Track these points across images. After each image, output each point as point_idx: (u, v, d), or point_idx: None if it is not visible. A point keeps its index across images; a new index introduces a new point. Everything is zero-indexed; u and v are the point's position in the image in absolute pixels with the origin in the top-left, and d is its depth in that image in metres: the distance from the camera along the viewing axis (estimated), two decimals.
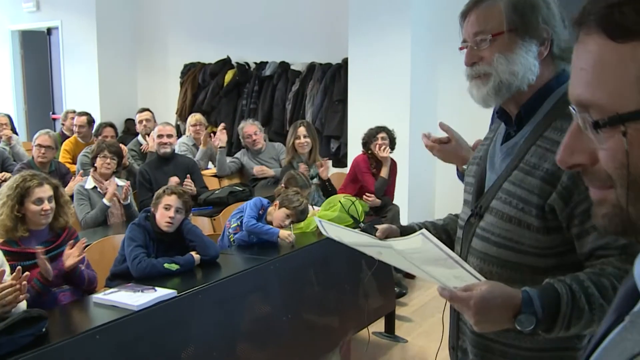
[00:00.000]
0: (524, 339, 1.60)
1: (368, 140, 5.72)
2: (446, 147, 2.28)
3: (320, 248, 4.14)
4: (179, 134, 8.77)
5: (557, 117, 1.58)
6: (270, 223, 4.14)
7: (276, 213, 4.11)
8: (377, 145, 5.62)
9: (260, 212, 4.13)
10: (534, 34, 1.61)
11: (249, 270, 3.57)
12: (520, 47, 1.61)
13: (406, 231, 1.88)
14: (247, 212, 4.03)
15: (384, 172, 5.57)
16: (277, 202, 4.16)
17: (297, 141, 5.44)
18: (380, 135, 5.67)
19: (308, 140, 5.49)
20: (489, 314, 1.40)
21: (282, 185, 4.64)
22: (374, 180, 5.61)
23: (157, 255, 3.54)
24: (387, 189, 5.70)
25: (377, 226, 1.98)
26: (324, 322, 4.13)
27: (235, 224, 4.13)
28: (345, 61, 7.74)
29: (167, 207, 3.58)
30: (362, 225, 1.97)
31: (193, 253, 3.51)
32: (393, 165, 5.86)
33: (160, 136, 5.63)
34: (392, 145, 5.77)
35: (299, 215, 4.14)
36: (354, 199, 4.73)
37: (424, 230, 1.52)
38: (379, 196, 5.50)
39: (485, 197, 1.70)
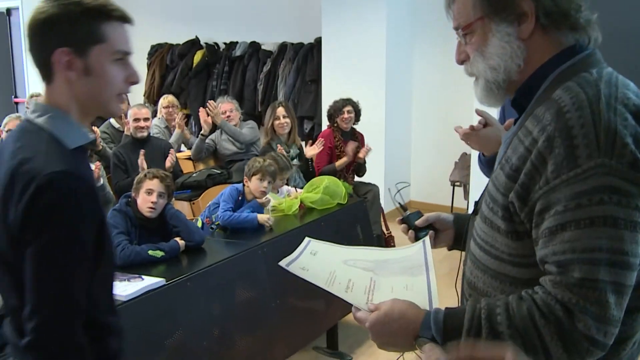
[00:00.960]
0: None
1: (334, 113, 5.66)
2: (485, 132, 2.10)
3: (306, 231, 4.04)
4: None
5: (542, 103, 1.35)
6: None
7: (251, 186, 4.02)
8: (355, 148, 5.57)
9: (239, 197, 4.02)
10: (507, 13, 1.38)
11: (237, 255, 3.46)
12: (494, 35, 1.40)
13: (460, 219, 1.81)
14: (222, 206, 3.92)
15: (340, 163, 5.48)
16: (245, 177, 4.07)
17: (276, 122, 5.31)
18: (346, 109, 5.62)
19: (287, 120, 5.38)
20: (383, 336, 1.39)
21: None
22: (326, 163, 5.53)
23: (140, 242, 3.41)
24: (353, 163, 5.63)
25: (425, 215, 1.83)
26: (311, 308, 4.04)
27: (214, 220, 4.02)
28: (318, 41, 7.64)
29: (149, 192, 3.45)
30: (405, 214, 1.84)
31: (177, 239, 3.38)
32: (360, 137, 5.80)
33: (136, 120, 5.45)
34: (357, 117, 5.72)
35: (273, 174, 4.06)
36: (338, 181, 4.64)
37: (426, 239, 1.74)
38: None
39: (481, 195, 1.54)
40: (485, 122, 2.10)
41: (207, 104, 6.11)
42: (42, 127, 1.56)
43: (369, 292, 1.54)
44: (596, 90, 1.27)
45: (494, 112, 2.51)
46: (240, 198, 4.02)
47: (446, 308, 1.37)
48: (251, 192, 4.03)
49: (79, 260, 1.51)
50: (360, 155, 5.62)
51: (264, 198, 4.08)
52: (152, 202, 3.43)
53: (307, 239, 1.90)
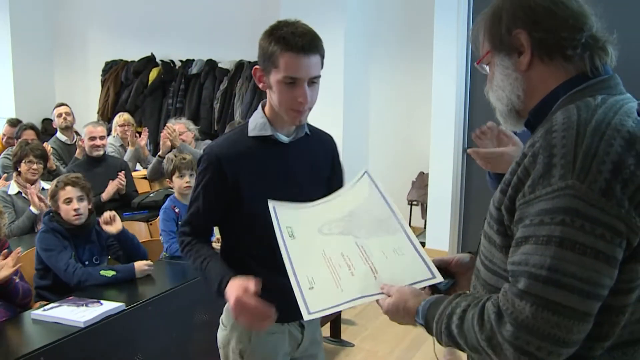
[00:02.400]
0: None
1: None
2: (506, 151, 2.07)
3: None
4: None
5: (540, 125, 1.39)
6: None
7: (175, 186, 4.04)
8: None
9: (175, 210, 3.94)
10: (506, 46, 1.47)
11: (198, 278, 3.41)
12: (497, 67, 1.50)
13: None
14: (164, 237, 3.86)
15: None
16: (167, 180, 4.10)
17: None
18: None
19: None
20: (396, 318, 1.61)
21: None
22: None
23: (78, 252, 3.39)
24: None
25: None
26: None
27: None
28: None
29: (69, 201, 3.42)
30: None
31: (136, 264, 3.33)
32: None
33: (92, 138, 5.36)
34: None
35: (189, 165, 4.04)
36: None
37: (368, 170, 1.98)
38: None
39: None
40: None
41: (166, 126, 6.02)
42: None
43: (367, 261, 1.76)
44: (591, 114, 1.28)
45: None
46: (176, 210, 3.94)
47: (432, 302, 1.50)
48: (177, 191, 3.99)
49: None
50: None
51: None
52: (74, 210, 3.40)
53: (270, 204, 2.01)
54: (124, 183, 5.28)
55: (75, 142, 6.20)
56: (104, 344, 2.81)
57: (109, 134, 7.08)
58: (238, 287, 1.88)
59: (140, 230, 4.59)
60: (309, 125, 2.29)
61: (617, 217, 1.20)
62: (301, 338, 2.30)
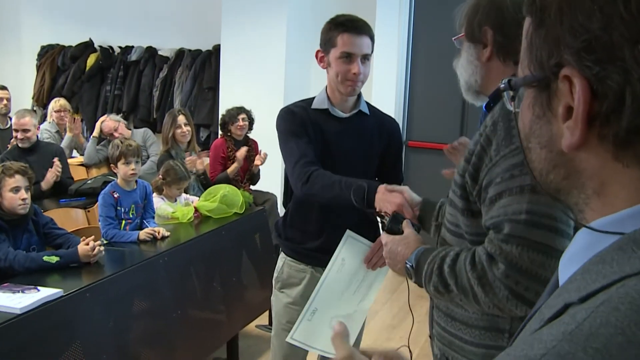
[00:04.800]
0: (469, 333, 1.66)
1: (228, 120, 5.59)
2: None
3: (207, 240, 4.02)
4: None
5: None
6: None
7: (119, 172, 3.95)
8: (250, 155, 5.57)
9: (115, 196, 3.85)
10: (475, 38, 1.69)
11: (137, 265, 3.38)
12: (465, 51, 1.73)
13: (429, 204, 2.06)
14: (102, 222, 3.80)
15: (231, 170, 5.44)
16: (112, 165, 4.03)
17: (178, 130, 5.22)
18: (241, 117, 5.57)
19: (189, 128, 5.31)
20: (393, 259, 1.78)
21: (160, 176, 4.44)
22: (220, 171, 5.49)
23: (16, 242, 3.30)
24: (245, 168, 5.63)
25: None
26: (212, 318, 4.01)
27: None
28: (217, 48, 7.59)
29: (16, 189, 3.32)
30: (387, 224, 1.95)
31: (80, 248, 3.27)
32: (254, 144, 5.78)
33: (16, 130, 5.18)
34: (250, 126, 5.70)
35: (135, 151, 3.98)
36: (237, 190, 4.62)
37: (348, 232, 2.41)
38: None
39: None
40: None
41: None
42: None
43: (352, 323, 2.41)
44: None
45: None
46: (115, 196, 3.86)
47: (425, 248, 1.68)
48: (121, 177, 3.94)
49: None
50: (257, 162, 5.59)
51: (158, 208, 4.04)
52: (22, 199, 3.32)
53: (347, 232, 2.43)
54: (60, 170, 5.18)
55: (9, 127, 6.05)
56: (41, 331, 2.76)
57: (44, 119, 6.93)
58: (398, 195, 2.14)
59: (77, 217, 4.53)
60: (372, 107, 2.77)
61: None
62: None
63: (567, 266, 0.71)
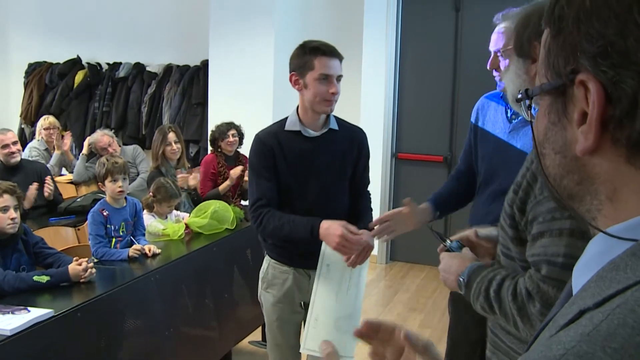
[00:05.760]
0: (522, 348, 1.73)
1: (218, 137, 5.57)
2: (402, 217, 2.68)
3: (198, 257, 4.01)
4: (24, 138, 8.24)
5: None
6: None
7: (107, 190, 3.93)
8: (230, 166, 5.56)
9: (104, 214, 3.84)
10: (524, 52, 1.73)
11: (128, 283, 3.37)
12: (513, 63, 1.79)
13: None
14: (92, 240, 3.77)
15: (223, 187, 5.42)
16: (100, 184, 3.99)
17: (168, 148, 5.20)
18: (231, 132, 5.55)
19: (179, 146, 5.30)
20: (447, 274, 1.85)
21: (151, 194, 4.43)
22: (211, 187, 5.46)
23: (5, 262, 3.27)
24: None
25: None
26: (205, 335, 3.99)
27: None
28: (205, 63, 7.60)
29: (5, 209, 3.31)
30: (447, 245, 2.05)
31: (71, 268, 3.25)
32: (245, 160, 5.77)
33: (5, 146, 5.13)
34: (240, 141, 5.69)
35: (122, 168, 3.95)
36: (228, 206, 4.61)
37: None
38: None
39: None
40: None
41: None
42: None
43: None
44: None
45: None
46: (105, 214, 3.85)
47: (478, 265, 1.77)
48: (109, 195, 3.92)
49: None
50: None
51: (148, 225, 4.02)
52: (11, 219, 3.30)
53: (323, 245, 2.75)
54: (52, 188, 5.16)
55: None
56: (32, 352, 2.74)
57: (32, 137, 6.91)
58: (337, 227, 2.61)
59: (67, 235, 4.51)
60: (340, 121, 3.00)
61: None
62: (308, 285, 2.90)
63: (581, 274, 0.72)
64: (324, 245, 2.73)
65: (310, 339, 2.72)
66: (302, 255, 2.89)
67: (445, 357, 3.08)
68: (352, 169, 3.00)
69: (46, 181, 5.15)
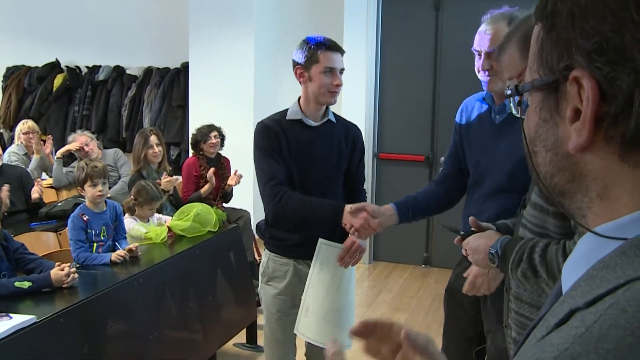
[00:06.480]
0: None
1: (200, 139, 5.56)
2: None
3: (182, 260, 4.00)
4: (3, 142, 8.17)
5: None
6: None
7: (87, 195, 3.90)
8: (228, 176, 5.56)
9: (84, 219, 3.80)
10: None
11: (112, 287, 3.35)
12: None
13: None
14: (72, 246, 3.74)
15: (204, 190, 5.41)
16: (79, 188, 3.99)
17: (150, 151, 5.18)
18: (212, 134, 5.55)
19: (160, 149, 5.28)
20: (475, 252, 2.00)
21: (132, 197, 4.40)
22: (193, 190, 5.45)
23: None
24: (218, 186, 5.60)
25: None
26: (190, 338, 3.97)
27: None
28: (185, 65, 7.57)
29: None
30: (463, 233, 2.20)
31: (54, 273, 3.22)
32: (226, 162, 5.76)
33: None
34: (222, 143, 5.69)
35: (102, 172, 3.92)
36: (210, 208, 4.60)
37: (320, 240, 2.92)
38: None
39: (530, 190, 2.00)
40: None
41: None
42: None
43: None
44: None
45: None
46: (85, 219, 3.81)
47: (510, 238, 1.92)
48: (89, 200, 3.88)
49: None
50: (231, 182, 5.56)
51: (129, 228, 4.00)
52: None
53: (319, 240, 2.92)
54: (41, 190, 5.14)
55: None
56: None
57: (11, 142, 6.85)
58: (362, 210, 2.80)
59: (48, 240, 4.47)
60: (337, 116, 3.14)
61: None
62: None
63: (571, 273, 0.72)
64: (318, 245, 2.90)
65: (302, 325, 2.95)
66: (300, 245, 3.00)
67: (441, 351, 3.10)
68: (346, 163, 3.12)
69: (37, 182, 5.15)
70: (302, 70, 2.96)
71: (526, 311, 1.96)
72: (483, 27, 2.67)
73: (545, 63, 0.73)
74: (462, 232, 2.18)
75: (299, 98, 3.05)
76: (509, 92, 0.82)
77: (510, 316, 2.04)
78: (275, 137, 2.95)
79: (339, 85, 2.95)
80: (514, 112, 0.82)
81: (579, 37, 0.67)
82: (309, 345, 3.21)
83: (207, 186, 5.40)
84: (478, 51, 2.69)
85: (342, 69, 2.98)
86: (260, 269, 3.16)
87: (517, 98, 0.80)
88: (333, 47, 2.94)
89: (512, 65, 1.92)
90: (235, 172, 5.65)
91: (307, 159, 2.99)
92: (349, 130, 3.17)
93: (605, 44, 0.65)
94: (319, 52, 2.92)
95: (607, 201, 0.69)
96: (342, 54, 2.98)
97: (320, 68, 2.91)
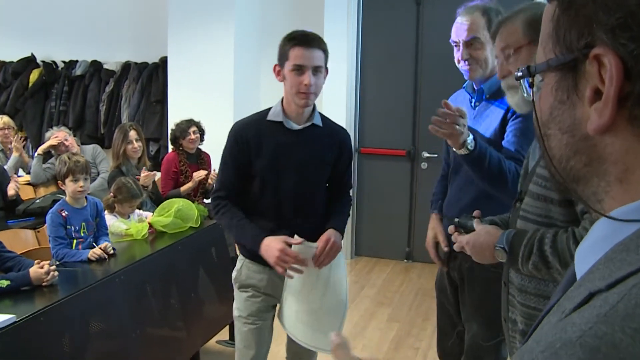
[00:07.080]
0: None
1: (179, 135, 5.49)
2: None
3: (163, 256, 3.94)
4: None
5: None
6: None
7: (67, 190, 3.82)
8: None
9: (64, 215, 3.74)
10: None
11: (93, 285, 3.28)
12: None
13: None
14: (52, 242, 3.67)
15: (185, 188, 5.34)
16: (60, 182, 3.89)
17: (129, 146, 5.10)
18: (191, 130, 5.47)
19: (140, 144, 5.21)
20: (479, 250, 1.99)
21: (111, 194, 4.34)
22: (171, 187, 5.39)
23: None
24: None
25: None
26: (172, 336, 3.92)
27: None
28: (163, 60, 7.49)
29: None
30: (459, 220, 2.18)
31: (32, 271, 3.16)
32: (207, 157, 5.70)
33: None
34: (202, 138, 5.62)
35: (83, 167, 3.85)
36: (192, 204, 4.55)
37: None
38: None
39: (525, 182, 2.00)
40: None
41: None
42: None
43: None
44: None
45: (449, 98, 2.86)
46: (64, 214, 3.74)
47: (515, 232, 1.91)
48: (70, 195, 3.82)
49: None
50: (210, 181, 5.49)
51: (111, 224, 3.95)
52: None
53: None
54: (18, 188, 5.07)
55: None
56: None
57: None
58: (278, 242, 2.66)
59: (27, 238, 4.40)
60: (325, 119, 2.92)
61: None
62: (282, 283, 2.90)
63: (585, 258, 0.70)
64: (294, 247, 2.72)
65: (283, 317, 2.98)
66: None
67: (437, 345, 3.17)
68: (330, 168, 2.92)
69: (13, 179, 5.08)
70: (279, 68, 2.77)
71: (532, 302, 1.97)
72: (459, 19, 2.74)
73: (562, 41, 0.69)
74: (457, 220, 2.16)
75: (282, 98, 2.86)
76: (519, 73, 0.78)
77: (514, 310, 2.04)
78: (243, 144, 2.78)
79: (307, 85, 2.67)
80: (524, 94, 0.79)
81: (601, 12, 0.64)
82: (289, 338, 3.12)
83: (188, 184, 5.33)
84: (456, 42, 2.74)
85: (317, 67, 2.71)
86: (234, 274, 3.02)
87: (528, 79, 0.76)
88: (304, 42, 2.68)
89: (512, 36, 1.98)
90: (215, 170, 5.58)
91: (283, 163, 2.79)
92: (336, 135, 2.94)
93: (630, 18, 0.62)
94: (287, 47, 2.70)
95: (627, 184, 0.67)
96: (321, 50, 2.73)
97: (289, 66, 2.69)
